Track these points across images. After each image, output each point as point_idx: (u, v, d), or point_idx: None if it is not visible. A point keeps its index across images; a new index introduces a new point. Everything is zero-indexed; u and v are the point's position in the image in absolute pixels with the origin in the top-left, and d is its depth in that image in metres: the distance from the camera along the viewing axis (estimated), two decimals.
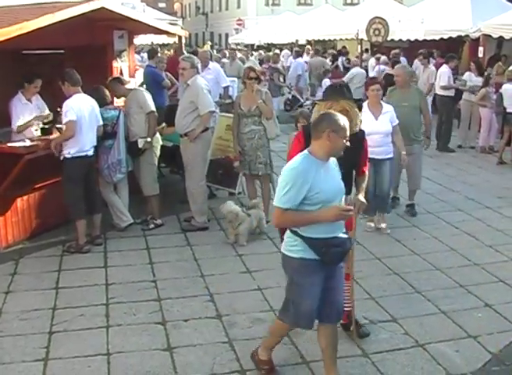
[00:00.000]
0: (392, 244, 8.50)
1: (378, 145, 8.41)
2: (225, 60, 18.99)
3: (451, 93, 15.48)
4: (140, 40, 26.29)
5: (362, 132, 5.80)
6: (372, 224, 9.06)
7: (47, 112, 9.09)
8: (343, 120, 4.73)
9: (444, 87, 15.32)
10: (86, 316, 6.43)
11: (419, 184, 9.96)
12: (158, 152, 9.30)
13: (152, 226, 9.07)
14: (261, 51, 30.85)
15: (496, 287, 7.18)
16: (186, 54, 11.65)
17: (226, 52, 23.38)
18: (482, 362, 5.60)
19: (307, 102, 18.75)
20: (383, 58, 19.93)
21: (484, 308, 6.64)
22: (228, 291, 7.01)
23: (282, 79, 20.52)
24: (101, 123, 8.39)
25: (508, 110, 13.37)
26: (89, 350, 5.75)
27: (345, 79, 19.88)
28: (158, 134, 9.30)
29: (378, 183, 8.71)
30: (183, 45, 12.78)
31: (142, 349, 5.78)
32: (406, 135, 9.12)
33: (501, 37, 17.80)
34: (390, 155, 8.77)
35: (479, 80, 15.27)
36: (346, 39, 26.68)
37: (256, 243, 8.56)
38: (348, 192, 5.56)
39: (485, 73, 15.68)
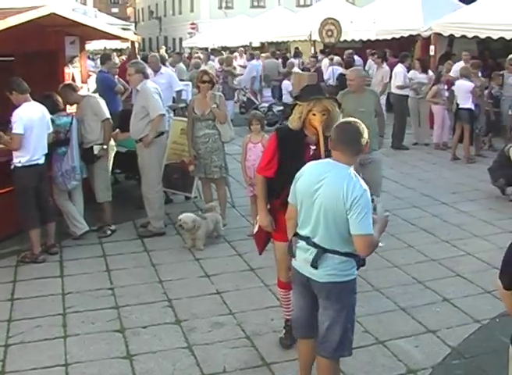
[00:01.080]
0: None
1: None
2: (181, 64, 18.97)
3: (406, 92, 15.70)
4: (94, 45, 26.03)
5: None
6: None
7: None
8: None
9: (400, 87, 15.51)
10: (43, 326, 6.32)
11: (378, 192, 9.12)
12: (111, 158, 9.23)
13: (109, 232, 8.99)
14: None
15: (454, 282, 7.28)
16: (138, 59, 11.58)
17: (185, 56, 23.43)
18: (442, 356, 5.67)
19: (263, 105, 18.74)
20: (336, 58, 20.08)
21: (442, 302, 6.73)
22: (186, 296, 6.96)
23: (236, 81, 20.49)
24: (51, 130, 8.25)
25: (460, 106, 13.55)
26: (47, 361, 5.65)
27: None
28: (112, 140, 9.23)
29: None
30: (137, 50, 12.64)
31: (101, 358, 5.71)
32: None
33: (451, 36, 18.02)
34: None
35: (423, 77, 15.51)
36: (300, 41, 26.80)
37: (213, 247, 8.53)
38: None
39: (430, 72, 15.93)
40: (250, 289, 7.13)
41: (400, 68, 15.81)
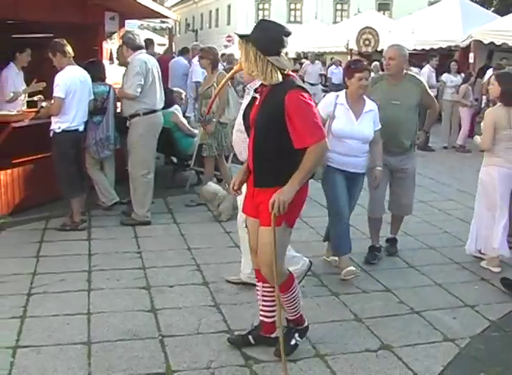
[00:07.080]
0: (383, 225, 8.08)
1: (355, 155, 6.23)
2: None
3: (433, 92, 15.47)
4: None
5: (285, 85, 4.38)
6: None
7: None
8: None
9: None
10: (67, 280, 6.18)
11: (410, 210, 7.29)
12: None
13: None
14: None
15: None
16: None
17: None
18: (481, 328, 5.40)
19: None
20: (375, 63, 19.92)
21: (480, 281, 6.48)
22: (215, 262, 6.77)
23: None
24: (92, 97, 8.08)
25: None
26: (68, 309, 5.50)
27: None
28: None
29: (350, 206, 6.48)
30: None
31: (124, 310, 5.54)
32: (394, 144, 6.68)
33: (492, 44, 17.77)
34: (364, 170, 6.46)
35: (458, 80, 15.41)
36: (336, 52, 26.70)
37: None
38: (267, 184, 4.38)
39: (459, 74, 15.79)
40: None
41: (426, 68, 15.78)
